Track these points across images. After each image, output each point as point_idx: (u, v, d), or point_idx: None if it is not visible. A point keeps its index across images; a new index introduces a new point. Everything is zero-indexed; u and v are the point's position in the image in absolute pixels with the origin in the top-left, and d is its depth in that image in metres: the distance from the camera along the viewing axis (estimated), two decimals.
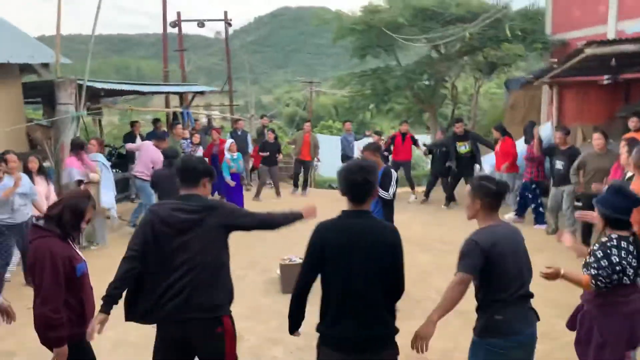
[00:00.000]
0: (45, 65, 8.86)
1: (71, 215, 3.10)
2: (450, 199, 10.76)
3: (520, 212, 9.20)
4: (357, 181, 2.76)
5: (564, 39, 12.73)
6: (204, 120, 16.02)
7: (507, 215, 9.15)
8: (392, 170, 5.58)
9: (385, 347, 2.89)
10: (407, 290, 6.22)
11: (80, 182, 7.72)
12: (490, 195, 3.00)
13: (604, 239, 3.23)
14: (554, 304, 5.61)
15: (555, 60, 10.05)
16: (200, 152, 10.89)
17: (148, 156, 8.85)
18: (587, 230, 7.12)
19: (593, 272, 3.14)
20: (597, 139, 7.08)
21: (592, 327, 3.25)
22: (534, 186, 8.81)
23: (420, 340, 2.90)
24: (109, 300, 2.96)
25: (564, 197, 7.88)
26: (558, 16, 13.12)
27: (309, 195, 12.47)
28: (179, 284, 2.96)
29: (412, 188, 11.69)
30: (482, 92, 20.55)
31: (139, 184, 8.89)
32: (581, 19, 12.21)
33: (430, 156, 11.26)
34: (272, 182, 12.04)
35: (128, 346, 4.91)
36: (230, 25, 18.94)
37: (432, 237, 8.58)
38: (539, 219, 8.85)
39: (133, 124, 11.08)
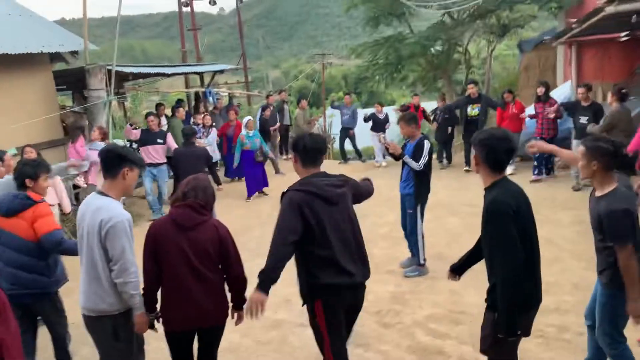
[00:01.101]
0: (73, 53, 9.07)
1: None
2: (468, 162, 10.95)
3: (539, 170, 9.51)
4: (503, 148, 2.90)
5: None
6: (224, 98, 16.15)
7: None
8: (426, 141, 5.60)
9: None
10: (439, 251, 6.53)
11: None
12: (608, 155, 3.05)
13: None
14: (583, 257, 5.87)
15: (574, 20, 10.04)
16: (213, 133, 10.72)
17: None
18: None
19: None
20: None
21: None
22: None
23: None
24: (269, 282, 3.00)
25: None
26: None
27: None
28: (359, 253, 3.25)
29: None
30: (494, 55, 20.43)
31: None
32: None
33: (435, 124, 11.36)
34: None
35: None
36: (242, 2, 18.93)
37: (458, 201, 8.80)
38: (535, 170, 9.45)
39: (158, 106, 11.31)
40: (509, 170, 9.88)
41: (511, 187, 2.93)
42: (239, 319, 3.38)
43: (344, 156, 13.07)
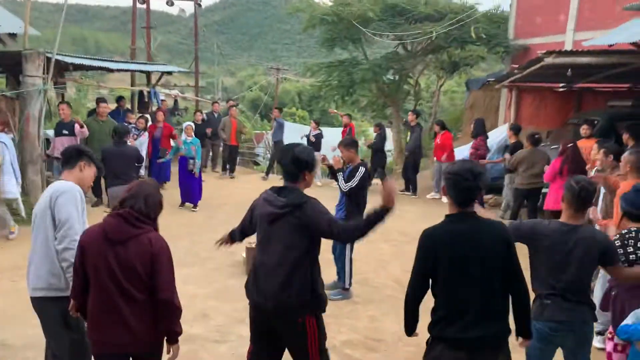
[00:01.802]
0: (12, 35, 8.64)
1: None
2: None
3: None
4: (466, 185, 2.78)
5: (525, 45, 13.28)
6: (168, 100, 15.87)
7: (429, 194, 11.01)
8: (361, 167, 5.65)
9: (500, 348, 2.81)
10: (366, 277, 6.58)
11: None
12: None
13: (624, 231, 3.69)
14: None
15: (517, 65, 10.52)
16: (145, 137, 10.43)
17: None
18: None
19: None
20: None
21: (623, 309, 3.56)
22: None
23: None
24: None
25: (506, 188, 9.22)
26: (521, 22, 13.67)
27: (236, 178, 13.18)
28: None
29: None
30: (443, 90, 21.08)
31: None
32: (542, 26, 12.78)
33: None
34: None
35: None
36: (200, 5, 18.72)
37: (393, 228, 8.92)
38: None
39: (119, 99, 10.98)
40: (433, 195, 10.93)
41: (457, 225, 2.83)
42: (174, 355, 2.97)
43: (268, 170, 13.47)
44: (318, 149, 11.83)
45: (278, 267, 3.12)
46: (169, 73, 14.23)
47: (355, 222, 3.17)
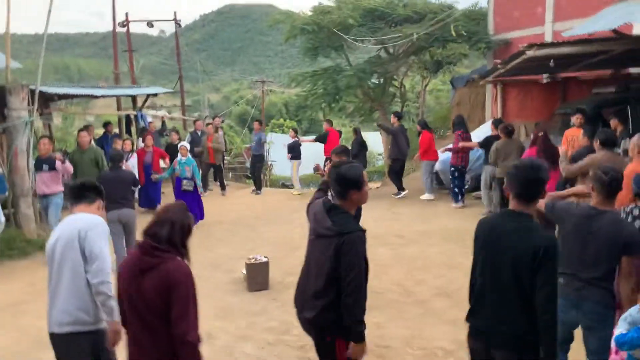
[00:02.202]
0: None
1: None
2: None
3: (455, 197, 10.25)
4: (524, 176, 2.82)
5: (506, 39, 13.40)
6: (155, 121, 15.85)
7: (423, 195, 10.87)
8: None
9: (517, 347, 2.79)
10: (369, 284, 6.56)
11: None
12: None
13: (631, 207, 3.82)
14: None
15: (499, 60, 10.61)
16: (134, 159, 10.36)
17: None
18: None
19: None
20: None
21: None
22: (452, 169, 10.04)
23: None
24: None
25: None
26: (499, 17, 13.80)
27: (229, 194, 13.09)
28: None
29: None
30: (428, 90, 21.19)
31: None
32: (520, 20, 12.90)
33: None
34: None
35: None
36: (180, 26, 18.75)
37: (389, 232, 8.92)
38: (455, 197, 10.11)
39: (106, 125, 10.93)
40: (427, 197, 10.81)
41: (500, 220, 2.98)
42: None
43: (258, 186, 13.29)
44: (297, 156, 12.55)
45: (314, 278, 3.16)
46: (155, 95, 14.20)
47: (360, 305, 3.04)
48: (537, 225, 2.84)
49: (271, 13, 26.12)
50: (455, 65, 17.73)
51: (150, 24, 17.89)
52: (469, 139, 9.96)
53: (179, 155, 9.71)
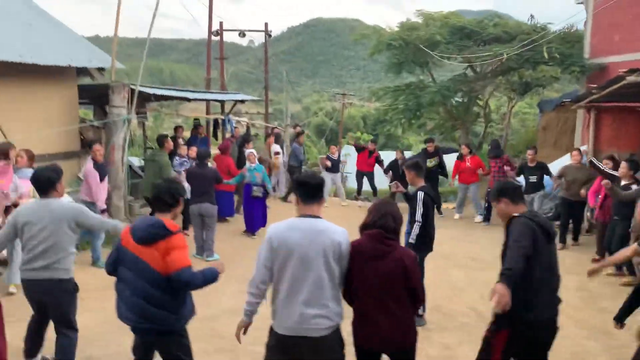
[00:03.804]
0: (100, 69, 9.29)
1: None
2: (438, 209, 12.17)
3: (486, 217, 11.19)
4: None
5: (603, 63, 12.76)
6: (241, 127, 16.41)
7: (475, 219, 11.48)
8: (419, 192, 5.58)
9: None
10: (439, 304, 6.43)
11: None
12: None
13: None
14: (585, 325, 5.73)
15: (595, 85, 10.12)
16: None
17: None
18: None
19: None
20: (574, 155, 9.23)
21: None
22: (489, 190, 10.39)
23: None
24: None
25: (535, 201, 9.85)
26: (597, 40, 13.15)
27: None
28: None
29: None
30: (513, 112, 20.52)
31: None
32: (620, 44, 12.24)
33: (390, 173, 12.33)
34: None
35: None
36: (270, 36, 19.37)
37: (464, 254, 8.71)
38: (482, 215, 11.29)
39: (177, 128, 11.44)
40: (477, 219, 11.31)
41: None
42: None
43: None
44: (335, 170, 13.20)
45: None
46: (242, 101, 14.72)
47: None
48: None
49: (356, 28, 26.37)
50: (545, 88, 17.11)
51: (242, 34, 18.60)
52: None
53: (248, 163, 9.80)
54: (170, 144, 9.03)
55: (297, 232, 3.14)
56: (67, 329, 4.19)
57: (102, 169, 7.53)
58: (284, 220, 3.25)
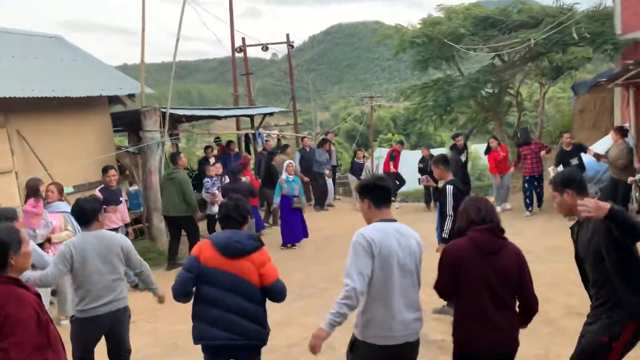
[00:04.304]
0: (131, 96, 9.51)
1: None
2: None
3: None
4: None
5: (637, 38, 12.31)
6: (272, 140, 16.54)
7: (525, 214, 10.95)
8: (448, 186, 5.52)
9: None
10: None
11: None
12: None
13: None
14: None
15: (631, 61, 9.76)
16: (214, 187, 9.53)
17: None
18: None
19: None
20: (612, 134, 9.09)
21: None
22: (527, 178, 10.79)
23: None
24: None
25: None
26: (628, 15, 12.70)
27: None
28: None
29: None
30: (547, 98, 20.01)
31: None
32: None
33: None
34: None
35: None
36: (292, 47, 19.47)
37: None
38: (526, 207, 10.90)
39: (206, 148, 11.61)
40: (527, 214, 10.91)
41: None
42: None
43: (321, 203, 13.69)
44: (359, 175, 13.52)
45: None
46: (271, 114, 14.83)
47: None
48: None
49: (378, 29, 26.24)
50: (577, 70, 16.63)
51: (265, 48, 18.75)
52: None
53: (285, 174, 9.59)
54: (183, 160, 8.91)
55: (392, 237, 3.09)
56: (125, 351, 4.28)
57: (112, 194, 7.55)
58: (370, 225, 3.17)
